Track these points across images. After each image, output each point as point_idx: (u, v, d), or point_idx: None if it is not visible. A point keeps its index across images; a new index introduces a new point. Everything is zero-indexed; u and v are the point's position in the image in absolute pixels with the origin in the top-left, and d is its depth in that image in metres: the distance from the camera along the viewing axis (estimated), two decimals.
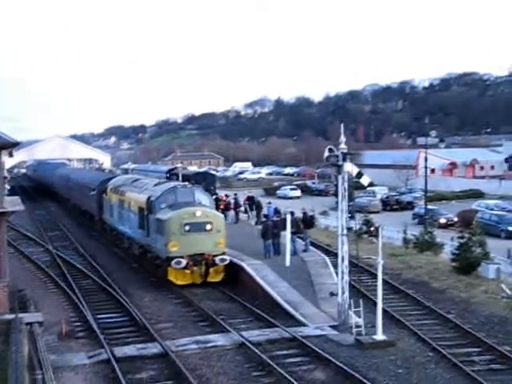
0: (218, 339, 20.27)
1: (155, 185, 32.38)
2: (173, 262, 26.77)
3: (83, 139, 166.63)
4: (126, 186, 36.86)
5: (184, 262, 26.92)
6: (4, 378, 15.91)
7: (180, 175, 51.73)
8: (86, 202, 49.09)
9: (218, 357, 18.79)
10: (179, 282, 27.40)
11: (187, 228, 27.30)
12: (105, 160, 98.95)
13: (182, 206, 28.14)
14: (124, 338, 21.16)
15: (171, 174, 69.33)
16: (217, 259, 27.48)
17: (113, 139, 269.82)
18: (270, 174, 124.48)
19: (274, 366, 17.51)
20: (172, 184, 31.46)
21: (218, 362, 18.40)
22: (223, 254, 27.87)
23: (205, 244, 27.50)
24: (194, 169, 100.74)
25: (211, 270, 27.74)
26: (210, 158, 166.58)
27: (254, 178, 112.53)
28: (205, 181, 56.29)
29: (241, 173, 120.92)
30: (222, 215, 30.47)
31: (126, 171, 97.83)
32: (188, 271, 27.38)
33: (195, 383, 16.37)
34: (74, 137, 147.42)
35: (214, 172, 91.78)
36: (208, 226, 27.68)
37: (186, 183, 29.60)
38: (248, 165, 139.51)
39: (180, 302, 25.62)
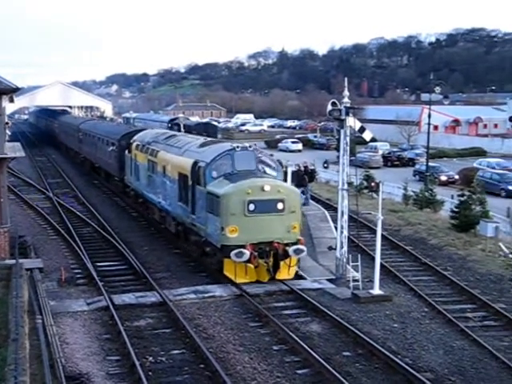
0: (217, 290, 20.47)
1: (201, 145, 24.87)
2: (232, 254, 20.06)
3: (85, 86, 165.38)
4: (159, 143, 29.40)
5: (247, 253, 20.16)
6: (5, 322, 16.16)
7: (182, 125, 51.55)
8: (103, 159, 42.90)
9: (216, 307, 19.03)
10: (239, 280, 20.74)
11: (252, 207, 20.43)
12: (106, 108, 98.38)
13: (243, 177, 21.28)
14: (123, 286, 21.37)
15: (173, 124, 69.24)
16: (290, 250, 20.70)
17: (115, 87, 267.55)
18: (272, 126, 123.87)
19: (271, 317, 17.73)
20: (226, 145, 23.59)
21: (216, 312, 18.63)
22: (298, 242, 21.09)
23: (275, 229, 20.74)
24: (195, 119, 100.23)
25: (281, 263, 21.07)
26: (212, 108, 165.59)
27: (256, 130, 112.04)
28: (206, 132, 56.16)
29: (243, 124, 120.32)
30: (298, 190, 22.65)
31: (127, 120, 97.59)
32: (251, 265, 20.62)
33: (192, 332, 16.60)
34: (76, 84, 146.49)
35: (215, 123, 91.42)
36: (280, 205, 20.69)
37: (246, 145, 22.74)
38: (250, 117, 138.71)
39: (179, 253, 25.77)
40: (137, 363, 14.57)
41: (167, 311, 18.64)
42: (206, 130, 60.92)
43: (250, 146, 22.77)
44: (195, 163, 22.92)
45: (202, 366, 14.89)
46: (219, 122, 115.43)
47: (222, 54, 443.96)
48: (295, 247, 20.74)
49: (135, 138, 34.14)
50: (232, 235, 20.44)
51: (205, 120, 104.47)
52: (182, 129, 53.55)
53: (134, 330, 17.27)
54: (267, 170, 22.56)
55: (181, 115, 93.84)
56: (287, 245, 20.78)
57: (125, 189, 36.34)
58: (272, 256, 20.83)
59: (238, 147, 22.49)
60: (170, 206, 26.19)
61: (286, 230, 20.86)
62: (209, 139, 26.93)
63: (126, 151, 34.81)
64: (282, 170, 23.95)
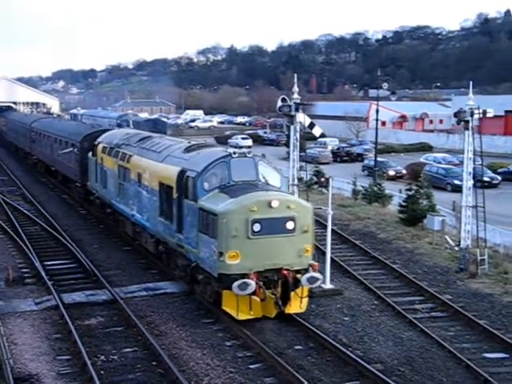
0: (168, 286, 20.38)
1: (187, 150, 20.92)
2: (235, 285, 16.37)
3: (30, 82, 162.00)
4: (131, 146, 25.49)
5: (253, 284, 16.52)
6: None
7: (131, 122, 51.05)
8: (61, 162, 38.52)
9: (168, 304, 18.94)
10: (242, 317, 16.99)
11: (257, 228, 16.79)
12: (53, 104, 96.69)
13: (244, 190, 17.57)
14: (73, 284, 21.06)
15: (122, 121, 68.49)
16: (303, 278, 17.27)
17: (61, 83, 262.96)
18: (222, 122, 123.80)
19: (219, 313, 17.76)
20: (218, 150, 19.90)
21: (168, 308, 18.56)
22: (311, 268, 17.64)
23: (284, 253, 17.22)
24: (145, 116, 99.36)
25: (292, 294, 17.43)
26: (161, 105, 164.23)
27: (206, 126, 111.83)
28: (155, 128, 55.74)
29: (192, 121, 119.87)
30: (311, 205, 18.41)
31: (75, 116, 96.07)
32: (257, 298, 16.97)
33: (144, 330, 16.51)
34: (21, 80, 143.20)
35: (165, 119, 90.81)
36: (290, 225, 17.16)
37: (244, 150, 18.92)
38: (200, 113, 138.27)
39: (130, 250, 25.54)
40: (88, 362, 14.42)
41: (118, 309, 18.47)
42: (156, 126, 60.47)
43: (248, 152, 18.84)
44: (182, 172, 19.11)
45: (154, 363, 14.83)
46: (168, 119, 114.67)
47: (170, 50, 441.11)
48: (309, 275, 17.31)
49: (101, 139, 30.09)
50: (233, 262, 16.76)
51: (154, 116, 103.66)
52: (131, 125, 53.00)
53: (85, 328, 17.06)
54: (270, 180, 18.81)
55: (130, 111, 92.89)
56: (298, 272, 17.44)
57: (87, 196, 32.28)
58: (280, 286, 17.44)
59: (234, 153, 18.58)
60: (148, 221, 22.29)
61: (296, 254, 17.36)
62: (194, 142, 22.74)
63: (90, 154, 30.86)
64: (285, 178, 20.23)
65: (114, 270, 22.67)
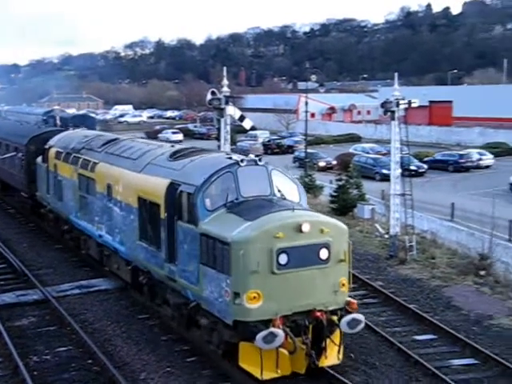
0: (101, 283, 20.15)
1: (173, 156, 16.94)
2: (259, 338, 12.52)
3: None
4: (94, 151, 21.51)
5: (281, 335, 12.64)
6: None
7: (58, 118, 49.93)
8: (1, 168, 33.12)
9: (102, 301, 18.75)
10: (267, 376, 13.09)
11: (284, 260, 13.03)
12: None
13: (260, 209, 13.79)
14: (2, 285, 20.55)
15: (48, 117, 66.94)
16: (342, 322, 13.52)
17: None
18: (152, 117, 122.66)
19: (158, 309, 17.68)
20: (219, 157, 16.02)
21: (102, 305, 18.37)
22: (349, 306, 13.96)
23: (316, 291, 13.46)
24: (72, 111, 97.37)
25: (328, 342, 13.71)
26: (88, 100, 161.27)
27: (135, 121, 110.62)
28: (84, 124, 54.70)
29: (121, 116, 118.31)
30: (346, 227, 14.57)
31: None
32: (285, 351, 13.08)
33: (78, 328, 16.29)
34: None
35: (93, 115, 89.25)
36: (323, 253, 13.47)
37: (252, 156, 15.35)
38: (129, 108, 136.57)
39: (61, 248, 25.06)
40: (20, 364, 14.13)
41: (51, 308, 18.16)
42: (84, 122, 59.26)
43: (259, 159, 15.05)
44: (173, 186, 15.23)
45: (89, 361, 14.66)
46: (97, 114, 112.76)
47: (96, 44, 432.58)
48: (349, 318, 13.55)
49: (52, 142, 25.89)
50: (253, 305, 12.86)
51: (82, 112, 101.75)
52: (58, 121, 51.88)
53: (16, 329, 16.71)
54: (286, 193, 15.02)
55: (56, 107, 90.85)
56: (334, 313, 13.75)
57: (37, 208, 27.82)
58: (312, 331, 13.52)
59: (242, 161, 14.66)
60: (123, 244, 18.33)
61: (331, 290, 13.63)
62: (179, 146, 18.94)
63: (39, 160, 26.67)
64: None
65: (45, 269, 22.23)
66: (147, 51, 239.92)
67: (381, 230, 26.49)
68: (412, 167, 40.73)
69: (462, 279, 20.92)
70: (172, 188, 15.21)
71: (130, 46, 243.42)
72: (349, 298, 14.01)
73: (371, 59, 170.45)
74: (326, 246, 13.42)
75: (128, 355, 14.97)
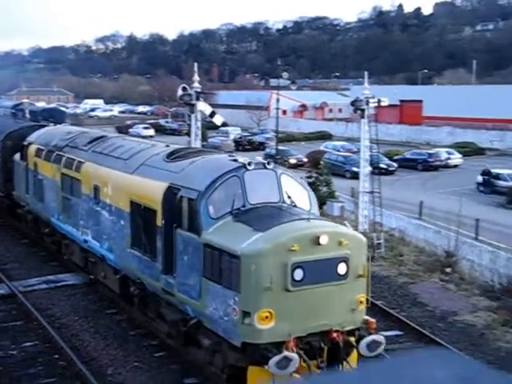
0: (69, 278, 20.05)
1: (171, 157, 15.70)
2: (272, 363, 11.28)
3: None
4: (80, 150, 20.11)
5: (296, 358, 11.43)
6: None
7: (27, 111, 49.38)
8: None
9: (69, 296, 18.67)
10: None
11: (299, 275, 11.91)
12: None
13: (270, 218, 12.70)
14: None
15: (17, 110, 66.17)
16: (362, 344, 12.42)
17: None
18: (123, 112, 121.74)
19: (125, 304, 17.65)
20: (222, 158, 14.93)
21: (69, 300, 18.30)
22: (368, 326, 12.81)
23: (332, 309, 12.39)
24: (42, 105, 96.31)
25: (344, 364, 12.48)
26: (59, 94, 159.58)
27: (106, 115, 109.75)
28: (53, 117, 54.21)
29: (92, 110, 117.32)
30: (365, 238, 13.52)
31: None
32: (298, 376, 11.54)
33: (45, 323, 16.19)
34: None
35: (63, 109, 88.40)
36: (342, 268, 12.40)
37: (259, 158, 14.35)
38: (100, 102, 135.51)
39: (28, 242, 24.83)
40: None
41: (17, 303, 18.02)
42: (53, 115, 58.72)
43: (267, 162, 13.98)
44: (171, 190, 13.96)
45: (56, 356, 14.60)
46: (67, 108, 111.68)
47: (67, 37, 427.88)
48: (370, 339, 12.40)
49: (32, 138, 24.38)
50: (265, 326, 11.69)
51: (52, 105, 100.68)
52: (28, 115, 51.35)
53: None
54: (296, 199, 13.86)
55: (25, 100, 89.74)
56: (351, 333, 12.63)
57: (14, 208, 26.27)
58: (327, 354, 12.36)
59: (249, 164, 13.49)
60: (111, 251, 16.97)
61: (348, 308, 12.53)
62: (176, 146, 17.54)
63: (17, 157, 25.30)
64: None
65: (12, 264, 22.03)
66: (119, 46, 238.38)
67: (350, 227, 26.70)
68: (382, 165, 41.04)
69: (429, 276, 21.24)
70: (170, 192, 13.91)
71: (102, 40, 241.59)
72: (366, 317, 12.85)
73: (343, 57, 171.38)
74: (345, 259, 12.29)
75: (95, 350, 14.93)
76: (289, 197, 13.63)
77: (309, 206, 14.04)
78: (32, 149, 23.65)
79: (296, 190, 14.03)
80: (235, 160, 13.92)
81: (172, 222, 13.69)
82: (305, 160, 53.66)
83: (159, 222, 14.14)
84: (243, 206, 13.05)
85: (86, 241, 18.64)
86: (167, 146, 17.29)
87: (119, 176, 16.63)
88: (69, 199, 19.99)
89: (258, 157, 14.81)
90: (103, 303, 18.10)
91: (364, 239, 13.17)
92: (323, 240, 11.92)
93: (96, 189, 17.82)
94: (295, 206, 13.60)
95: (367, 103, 22.61)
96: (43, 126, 26.74)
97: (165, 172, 14.83)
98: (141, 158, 16.48)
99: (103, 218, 17.37)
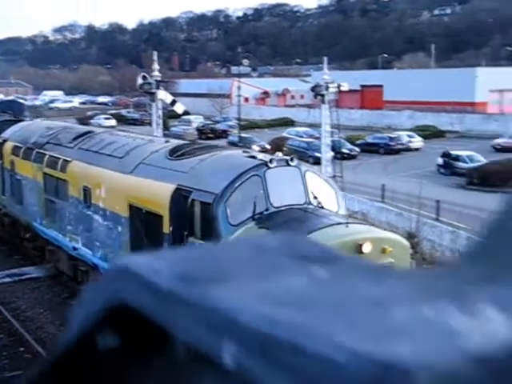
0: (33, 271, 19.89)
1: (176, 153, 14.16)
2: None
3: None
4: (64, 147, 18.37)
5: None
6: None
7: None
8: None
9: (33, 288, 18.53)
10: None
11: None
12: None
13: (300, 223, 11.54)
14: None
15: None
16: None
17: None
18: (84, 103, 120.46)
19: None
20: (237, 155, 13.57)
21: (33, 293, 18.17)
22: None
23: None
24: None
25: None
26: (16, 86, 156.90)
27: (66, 107, 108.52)
28: (12, 110, 53.35)
29: (51, 102, 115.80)
30: (407, 242, 12.59)
31: None
32: None
33: (10, 316, 16.08)
34: None
35: (22, 101, 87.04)
36: None
37: (280, 155, 13.75)
38: (59, 93, 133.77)
39: None
40: None
41: None
42: (12, 107, 57.77)
43: (291, 158, 12.65)
44: (180, 193, 12.52)
45: (21, 349, 14.52)
46: (26, 100, 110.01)
47: (24, 28, 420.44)
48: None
49: (7, 135, 22.64)
50: None
51: (10, 97, 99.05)
52: None
53: None
54: (323, 200, 12.64)
55: None
56: None
57: None
58: None
59: (271, 161, 12.19)
60: (107, 260, 15.34)
61: None
62: (180, 141, 16.33)
63: None
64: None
65: None
66: (77, 35, 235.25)
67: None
68: (344, 150, 41.43)
69: None
70: (179, 195, 12.42)
71: (59, 30, 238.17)
72: None
73: (304, 44, 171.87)
74: None
75: None
76: (315, 197, 12.33)
77: (337, 206, 12.84)
78: (8, 146, 21.92)
79: (322, 189, 12.74)
80: (253, 157, 12.56)
81: (182, 228, 12.30)
82: (268, 147, 53.82)
83: (166, 228, 12.66)
84: (266, 210, 11.75)
85: (75, 248, 17.08)
86: (167, 141, 15.91)
87: (114, 176, 15.00)
88: (53, 202, 18.37)
89: (279, 152, 13.36)
90: (68, 295, 18.01)
91: (407, 244, 12.03)
92: (366, 248, 10.72)
93: (86, 191, 16.19)
94: (322, 207, 12.31)
95: (327, 88, 22.79)
96: (20, 121, 24.93)
97: (170, 171, 13.22)
98: (138, 156, 14.90)
99: (96, 223, 15.84)
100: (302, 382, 0.38)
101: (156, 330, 0.52)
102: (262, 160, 12.22)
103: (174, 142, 15.52)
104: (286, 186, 12.10)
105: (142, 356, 0.58)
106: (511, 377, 0.39)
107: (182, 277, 0.51)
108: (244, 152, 13.62)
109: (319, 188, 12.60)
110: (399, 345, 0.37)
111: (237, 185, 11.73)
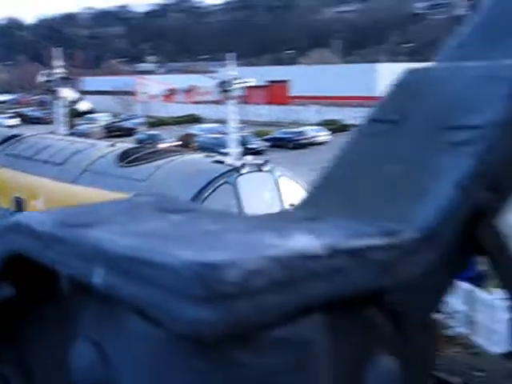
0: None
1: (127, 159, 12.96)
2: None
3: None
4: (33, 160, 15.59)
5: None
6: None
7: None
8: None
9: None
10: None
11: None
12: None
13: None
14: None
15: None
16: None
17: None
18: None
19: None
20: (201, 160, 12.53)
21: None
22: None
23: None
24: None
25: None
26: None
27: None
28: None
29: None
30: None
31: None
32: None
33: None
34: None
35: None
36: None
37: (250, 158, 12.81)
38: None
39: None
40: None
41: None
42: None
43: (263, 162, 11.87)
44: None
45: None
46: None
47: None
48: None
49: None
50: None
51: None
52: None
53: None
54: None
55: None
56: None
57: None
58: None
59: (242, 166, 11.43)
60: None
61: None
62: (128, 145, 15.09)
63: None
64: None
65: None
66: None
67: None
68: (252, 145, 41.76)
69: None
70: None
71: None
72: None
73: (210, 40, 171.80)
74: None
75: None
76: (291, 204, 11.15)
77: None
78: None
79: (297, 195, 11.94)
80: (220, 162, 11.57)
81: None
82: (176, 143, 53.58)
83: None
84: None
85: None
86: (112, 145, 14.59)
87: (54, 186, 13.33)
88: None
89: (249, 156, 12.38)
90: None
91: None
92: None
93: (19, 202, 14.34)
94: None
95: (233, 84, 22.90)
96: None
97: (122, 180, 11.86)
98: (81, 162, 13.38)
99: None
100: (152, 286, 0.51)
101: (46, 274, 0.61)
102: (231, 165, 11.35)
103: (121, 146, 14.38)
104: (259, 194, 11.21)
105: (36, 302, 0.67)
106: (298, 272, 0.53)
107: (63, 223, 0.60)
108: (207, 157, 12.65)
109: (294, 194, 11.64)
110: (220, 254, 0.54)
111: (206, 194, 10.66)
